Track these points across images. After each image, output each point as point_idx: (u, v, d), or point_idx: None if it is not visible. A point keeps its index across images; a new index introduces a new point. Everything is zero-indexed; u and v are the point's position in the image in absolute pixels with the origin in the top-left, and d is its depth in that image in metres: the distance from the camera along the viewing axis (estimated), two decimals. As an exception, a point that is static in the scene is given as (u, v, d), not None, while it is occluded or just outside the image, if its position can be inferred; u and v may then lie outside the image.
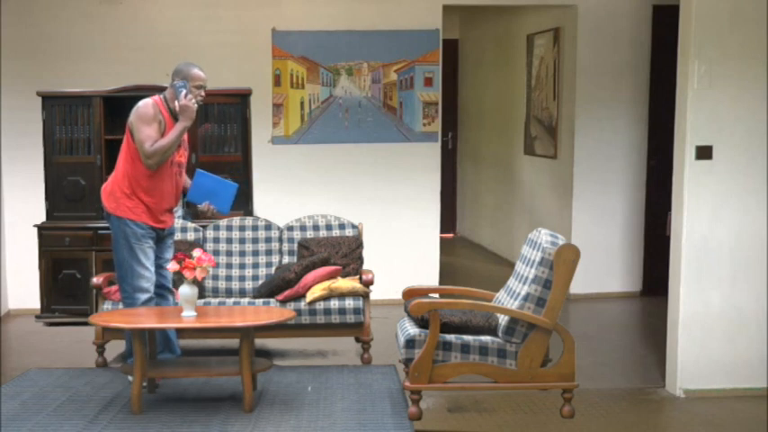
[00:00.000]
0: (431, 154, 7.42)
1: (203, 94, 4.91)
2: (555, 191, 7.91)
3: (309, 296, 5.43)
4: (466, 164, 10.78)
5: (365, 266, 5.93)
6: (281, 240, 5.96)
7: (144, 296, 4.91)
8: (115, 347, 5.68)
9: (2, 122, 7.02)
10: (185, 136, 4.98)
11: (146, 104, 4.85)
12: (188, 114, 4.79)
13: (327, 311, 5.45)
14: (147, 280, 4.92)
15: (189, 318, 4.62)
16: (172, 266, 4.72)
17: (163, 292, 5.09)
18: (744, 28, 4.81)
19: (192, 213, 6.41)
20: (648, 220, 7.48)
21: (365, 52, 7.29)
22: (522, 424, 4.53)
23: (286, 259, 5.91)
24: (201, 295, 5.55)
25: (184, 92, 4.79)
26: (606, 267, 7.53)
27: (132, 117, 4.84)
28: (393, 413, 4.53)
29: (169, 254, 5.10)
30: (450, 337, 4.21)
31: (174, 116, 4.86)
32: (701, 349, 4.95)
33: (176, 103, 4.81)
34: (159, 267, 5.03)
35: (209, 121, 6.58)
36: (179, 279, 4.97)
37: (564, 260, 4.13)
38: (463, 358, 4.19)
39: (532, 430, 4.47)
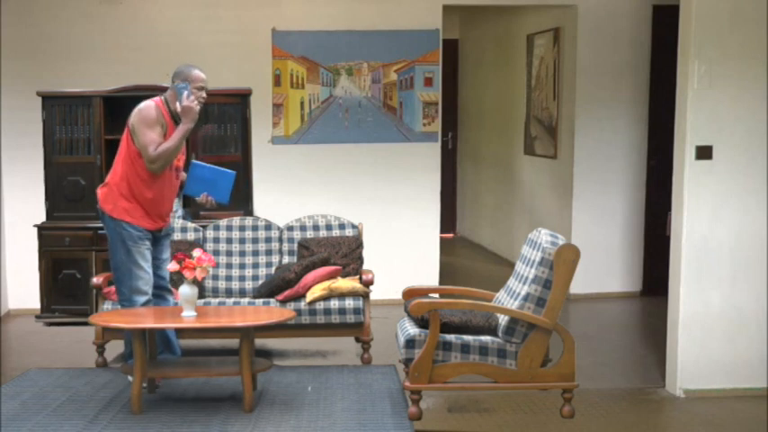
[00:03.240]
0: (431, 154, 7.42)
1: (205, 95, 4.85)
2: (555, 191, 7.91)
3: (309, 296, 5.43)
4: (466, 164, 10.78)
5: (365, 266, 5.93)
6: (281, 240, 5.95)
7: (142, 299, 4.86)
8: (115, 347, 5.68)
9: (2, 122, 7.02)
10: None
11: (148, 107, 4.77)
12: (191, 116, 4.74)
13: (327, 311, 5.45)
14: (146, 282, 4.88)
15: (189, 318, 4.62)
16: (172, 266, 4.71)
17: (162, 292, 5.07)
18: (744, 28, 4.81)
19: (192, 211, 6.40)
20: (648, 220, 7.48)
21: (365, 52, 7.29)
22: (522, 424, 4.53)
23: (286, 259, 5.90)
24: (201, 295, 5.55)
25: (186, 93, 4.73)
26: (606, 267, 7.53)
27: (134, 119, 4.76)
28: (393, 413, 4.53)
29: (167, 254, 5.08)
30: (451, 337, 4.20)
31: (175, 118, 4.80)
32: (701, 349, 4.95)
33: (178, 104, 4.75)
34: (157, 268, 5.00)
35: (209, 121, 6.57)
36: (179, 279, 4.96)
37: (564, 260, 4.13)
38: (463, 358, 4.19)
39: (532, 430, 4.47)
